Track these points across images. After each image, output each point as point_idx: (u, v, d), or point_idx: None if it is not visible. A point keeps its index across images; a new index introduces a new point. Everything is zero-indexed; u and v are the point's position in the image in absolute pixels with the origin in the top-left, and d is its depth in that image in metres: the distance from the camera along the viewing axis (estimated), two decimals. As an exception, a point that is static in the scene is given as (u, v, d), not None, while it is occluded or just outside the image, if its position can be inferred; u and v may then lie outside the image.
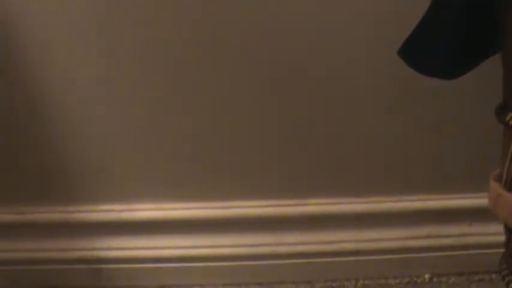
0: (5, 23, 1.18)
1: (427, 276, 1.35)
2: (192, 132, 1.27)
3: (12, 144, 1.29)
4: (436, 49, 0.85)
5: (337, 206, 1.32)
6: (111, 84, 1.23)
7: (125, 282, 1.36)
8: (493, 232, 1.32)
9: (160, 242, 1.34)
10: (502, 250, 0.92)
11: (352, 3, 1.17)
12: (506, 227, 0.87)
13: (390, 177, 1.31)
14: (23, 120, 1.26)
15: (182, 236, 1.34)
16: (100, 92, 1.24)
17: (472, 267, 1.35)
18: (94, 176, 1.32)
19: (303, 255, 1.34)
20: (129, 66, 1.21)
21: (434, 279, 1.34)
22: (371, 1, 1.17)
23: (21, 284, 1.37)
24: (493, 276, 1.33)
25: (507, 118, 0.81)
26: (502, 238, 0.94)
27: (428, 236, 1.34)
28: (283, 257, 1.34)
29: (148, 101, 1.24)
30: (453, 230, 1.33)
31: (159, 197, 1.32)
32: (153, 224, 1.33)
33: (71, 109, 1.25)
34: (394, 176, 1.31)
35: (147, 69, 1.21)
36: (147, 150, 1.29)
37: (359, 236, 1.33)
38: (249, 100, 1.24)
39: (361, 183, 1.31)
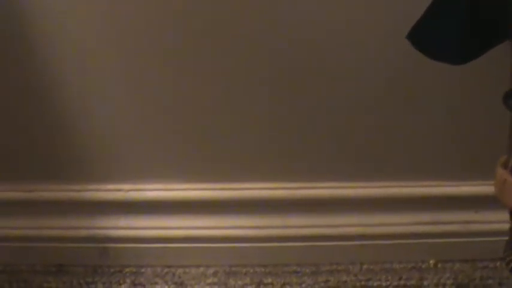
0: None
1: (431, 262, 1.35)
2: (201, 113, 1.27)
3: (22, 123, 1.29)
4: (445, 33, 0.85)
5: (343, 190, 1.32)
6: (120, 65, 1.23)
7: (131, 262, 1.37)
8: (499, 220, 1.32)
9: (167, 222, 1.35)
10: (507, 238, 0.92)
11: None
12: (511, 213, 0.88)
13: (397, 163, 1.31)
14: (35, 100, 1.26)
15: (189, 217, 1.34)
16: (110, 72, 1.24)
17: (477, 254, 1.35)
18: (102, 156, 1.32)
19: (308, 238, 1.34)
20: (138, 47, 1.21)
21: (439, 265, 1.34)
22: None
23: (28, 261, 1.38)
24: (498, 263, 1.33)
25: (514, 104, 0.81)
26: (507, 226, 0.95)
27: (434, 222, 1.34)
28: (288, 239, 1.34)
29: (158, 82, 1.24)
30: (459, 216, 1.33)
31: (167, 178, 1.32)
32: (160, 204, 1.33)
33: (81, 89, 1.25)
34: (400, 161, 1.31)
35: (156, 49, 1.21)
36: (155, 130, 1.29)
37: (365, 221, 1.34)
38: (259, 83, 1.24)
39: (368, 168, 1.31)
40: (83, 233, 1.36)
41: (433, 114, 1.26)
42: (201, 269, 1.35)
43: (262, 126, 1.28)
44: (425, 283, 1.31)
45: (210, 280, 1.33)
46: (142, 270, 1.35)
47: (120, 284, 1.33)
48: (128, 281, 1.33)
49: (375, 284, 1.31)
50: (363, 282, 1.31)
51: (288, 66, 1.22)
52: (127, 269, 1.36)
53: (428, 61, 0.90)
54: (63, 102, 1.27)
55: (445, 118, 1.26)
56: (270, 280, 1.32)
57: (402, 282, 1.31)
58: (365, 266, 1.34)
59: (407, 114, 1.26)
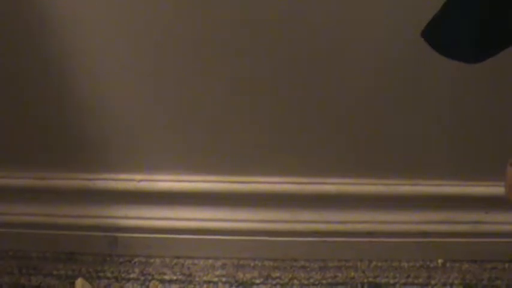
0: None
1: (440, 261, 1.35)
2: (214, 106, 1.27)
3: (37, 111, 1.30)
4: (460, 32, 0.84)
5: (354, 187, 1.32)
6: (135, 55, 1.23)
7: (141, 252, 1.37)
8: (509, 221, 1.33)
9: (177, 213, 1.35)
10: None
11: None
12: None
13: (409, 161, 1.31)
14: (49, 89, 1.27)
15: (199, 209, 1.35)
16: (124, 62, 1.24)
17: (486, 255, 1.35)
18: (114, 145, 1.32)
19: (317, 234, 1.34)
20: (153, 36, 1.21)
21: (447, 265, 1.34)
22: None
23: (38, 249, 1.39)
24: (506, 265, 1.33)
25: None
26: (517, 227, 0.95)
27: (444, 221, 1.33)
28: (298, 234, 1.34)
29: (172, 73, 1.24)
30: (469, 216, 1.33)
31: (178, 169, 1.33)
32: (171, 195, 1.34)
33: (96, 79, 1.26)
34: (412, 159, 1.31)
35: (170, 40, 1.21)
36: (168, 121, 1.29)
37: (374, 218, 1.34)
38: (270, 77, 1.24)
39: (379, 165, 1.31)
40: (94, 221, 1.36)
41: (445, 113, 1.26)
42: (210, 261, 1.35)
43: (273, 121, 1.28)
44: (432, 282, 1.31)
45: (218, 272, 1.33)
46: (151, 260, 1.36)
47: (129, 274, 1.33)
48: (137, 270, 1.34)
49: (383, 281, 1.31)
50: (370, 279, 1.31)
51: (298, 62, 1.22)
52: (136, 259, 1.36)
53: (442, 58, 0.90)
54: (77, 91, 1.27)
55: (457, 117, 1.26)
56: (278, 274, 1.33)
57: (410, 280, 1.31)
58: (373, 263, 1.34)
59: (419, 112, 1.26)
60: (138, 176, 1.34)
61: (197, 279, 1.32)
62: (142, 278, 1.32)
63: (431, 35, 0.87)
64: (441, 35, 0.87)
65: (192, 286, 1.30)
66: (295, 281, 1.31)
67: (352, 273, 1.33)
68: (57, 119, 1.30)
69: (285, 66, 1.22)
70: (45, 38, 1.22)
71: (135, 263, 1.36)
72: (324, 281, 1.31)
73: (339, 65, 1.22)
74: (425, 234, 1.34)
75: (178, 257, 1.36)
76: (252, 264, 1.35)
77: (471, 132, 1.27)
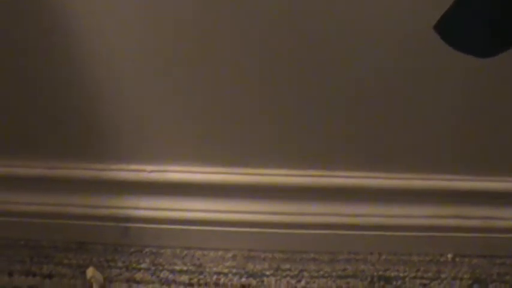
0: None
1: (449, 255, 1.35)
2: (226, 98, 1.27)
3: (50, 101, 1.30)
4: (473, 25, 0.84)
5: (365, 180, 1.32)
6: (148, 44, 1.23)
7: (151, 242, 1.37)
8: (521, 217, 1.33)
9: (188, 204, 1.35)
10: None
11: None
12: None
13: (420, 155, 1.31)
14: (61, 78, 1.27)
15: (210, 200, 1.35)
16: (137, 52, 1.24)
17: (496, 250, 1.35)
18: (126, 136, 1.33)
19: (328, 226, 1.34)
20: (165, 25, 1.21)
21: (457, 259, 1.34)
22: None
23: (49, 238, 1.39)
24: (516, 261, 1.33)
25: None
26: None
27: (455, 216, 1.33)
28: (308, 226, 1.34)
29: (185, 63, 1.24)
30: (480, 211, 1.33)
31: (190, 160, 1.33)
32: (182, 186, 1.34)
33: (109, 69, 1.26)
34: (424, 153, 1.30)
35: (182, 30, 1.22)
36: (181, 112, 1.29)
37: (385, 211, 1.34)
38: (278, 71, 1.24)
39: (391, 159, 1.31)
40: (105, 211, 1.37)
41: (458, 108, 1.26)
42: (220, 252, 1.36)
43: (285, 113, 1.28)
44: (442, 276, 1.31)
45: (228, 263, 1.34)
46: (162, 250, 1.36)
47: (140, 264, 1.34)
48: (147, 260, 1.34)
49: (392, 274, 1.31)
50: (380, 273, 1.31)
51: (309, 52, 1.21)
52: (147, 249, 1.37)
53: (455, 51, 0.90)
54: (89, 81, 1.27)
55: (471, 112, 1.26)
56: (288, 266, 1.33)
57: (419, 274, 1.31)
58: (383, 257, 1.35)
59: (432, 106, 1.26)
60: (149, 167, 1.34)
61: (207, 270, 1.32)
62: (153, 268, 1.33)
63: (444, 28, 0.87)
64: (453, 29, 0.87)
65: (202, 277, 1.31)
66: (305, 273, 1.31)
67: (362, 266, 1.33)
68: (70, 109, 1.30)
69: (297, 57, 1.22)
70: (57, 26, 1.22)
71: (146, 253, 1.36)
72: (334, 274, 1.31)
73: (350, 55, 1.21)
74: (435, 228, 1.34)
75: (188, 248, 1.36)
76: (262, 256, 1.35)
77: (484, 126, 1.26)
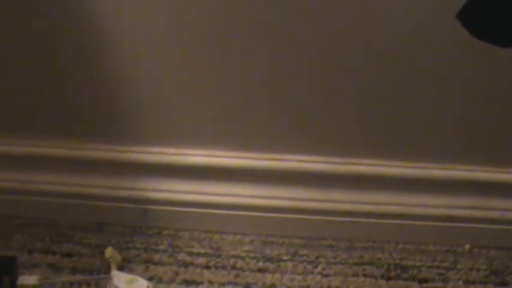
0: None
1: (467, 246, 1.35)
2: (248, 83, 1.28)
3: (74, 83, 1.31)
4: (495, 15, 0.84)
5: (385, 168, 1.32)
6: (169, 27, 1.24)
7: (170, 225, 1.38)
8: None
9: (208, 188, 1.36)
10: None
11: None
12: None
13: (440, 145, 1.31)
14: (86, 62, 1.28)
15: (229, 184, 1.35)
16: (157, 35, 1.25)
17: (513, 242, 1.35)
18: (148, 119, 1.33)
19: (346, 214, 1.35)
20: (188, 8, 1.22)
21: (474, 251, 1.34)
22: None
23: (69, 218, 1.40)
24: (534, 254, 1.33)
25: None
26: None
27: (473, 207, 1.33)
28: (327, 213, 1.35)
29: (206, 47, 1.25)
30: (499, 203, 1.33)
31: (211, 144, 1.34)
32: (203, 169, 1.35)
33: (129, 52, 1.27)
34: (444, 144, 1.31)
35: (205, 14, 1.22)
36: (203, 97, 1.30)
37: (404, 200, 1.34)
38: (302, 59, 1.24)
39: (412, 149, 1.31)
40: (125, 193, 1.38)
41: (478, 100, 1.26)
42: (238, 237, 1.36)
43: (308, 100, 1.29)
44: (459, 266, 1.31)
45: (246, 248, 1.34)
46: (180, 233, 1.37)
47: (158, 245, 1.34)
48: (166, 243, 1.35)
49: (409, 263, 1.31)
50: (396, 261, 1.31)
51: (332, 45, 1.22)
52: (165, 231, 1.37)
53: (478, 41, 0.90)
54: (114, 64, 1.28)
55: (492, 104, 1.26)
56: (305, 252, 1.33)
57: (436, 263, 1.31)
58: (400, 246, 1.35)
59: (453, 98, 1.26)
60: (170, 150, 1.35)
61: (225, 253, 1.32)
62: (171, 250, 1.33)
63: (466, 17, 0.87)
64: (476, 18, 0.87)
65: (220, 260, 1.31)
66: (322, 259, 1.32)
67: (379, 254, 1.33)
68: (94, 92, 1.31)
69: (317, 48, 1.23)
70: (82, 9, 1.23)
71: (164, 235, 1.37)
72: (351, 261, 1.31)
73: (373, 46, 1.22)
74: (454, 218, 1.34)
75: (207, 232, 1.37)
76: (280, 241, 1.35)
77: (506, 119, 1.26)
